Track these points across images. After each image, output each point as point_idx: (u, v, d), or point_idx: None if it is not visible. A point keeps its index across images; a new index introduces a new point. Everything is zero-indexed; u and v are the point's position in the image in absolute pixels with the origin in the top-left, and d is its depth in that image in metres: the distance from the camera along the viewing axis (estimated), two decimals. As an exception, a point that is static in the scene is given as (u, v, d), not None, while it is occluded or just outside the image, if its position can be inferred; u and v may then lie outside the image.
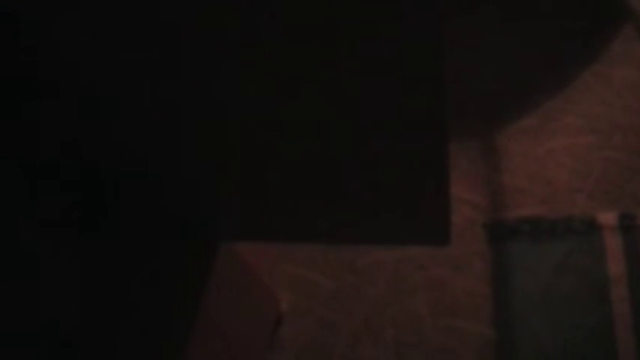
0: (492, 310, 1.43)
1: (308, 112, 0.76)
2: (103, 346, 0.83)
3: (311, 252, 1.57)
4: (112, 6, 0.61)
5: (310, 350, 1.44)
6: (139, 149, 0.85)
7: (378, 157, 0.84)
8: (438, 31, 0.58)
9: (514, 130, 1.68)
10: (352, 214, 1.00)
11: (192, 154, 0.85)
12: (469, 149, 1.68)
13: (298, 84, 0.71)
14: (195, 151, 0.85)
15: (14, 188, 0.70)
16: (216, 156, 0.86)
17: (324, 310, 1.49)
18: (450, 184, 1.64)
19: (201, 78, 0.70)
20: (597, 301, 1.39)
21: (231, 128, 0.79)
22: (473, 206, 1.59)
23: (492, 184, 1.61)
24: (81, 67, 0.69)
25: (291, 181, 0.92)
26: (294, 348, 1.45)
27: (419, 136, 0.79)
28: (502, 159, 1.64)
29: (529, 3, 1.90)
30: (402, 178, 0.89)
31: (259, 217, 1.04)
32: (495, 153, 1.66)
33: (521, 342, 1.37)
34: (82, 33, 0.64)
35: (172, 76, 0.70)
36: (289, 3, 0.60)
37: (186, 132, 0.80)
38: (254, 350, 1.29)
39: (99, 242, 0.85)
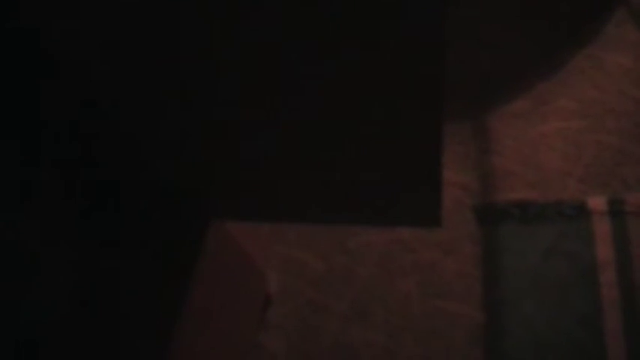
0: (482, 293, 1.44)
1: (301, 93, 0.75)
2: (93, 324, 0.82)
3: (302, 233, 1.57)
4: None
5: (300, 331, 1.45)
6: (132, 125, 0.83)
7: (370, 138, 0.84)
8: (442, 14, 0.57)
9: (506, 113, 1.68)
10: (344, 195, 1.00)
11: (185, 132, 0.84)
12: (460, 131, 1.67)
13: (293, 63, 0.70)
14: (189, 130, 0.84)
15: (12, 181, 0.69)
16: (210, 135, 0.85)
17: (315, 291, 1.49)
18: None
19: (195, 58, 0.69)
20: (586, 285, 1.40)
21: (225, 107, 0.78)
22: (463, 189, 1.59)
23: (483, 166, 1.61)
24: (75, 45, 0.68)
25: (283, 162, 0.91)
26: (284, 329, 1.45)
27: (413, 119, 0.79)
28: (493, 142, 1.64)
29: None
30: (394, 159, 0.88)
31: (251, 197, 1.03)
32: (486, 135, 1.65)
33: (510, 324, 1.38)
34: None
35: (171, 72, 0.69)
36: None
37: (179, 110, 0.79)
38: (243, 330, 1.29)
39: (92, 223, 0.84)
